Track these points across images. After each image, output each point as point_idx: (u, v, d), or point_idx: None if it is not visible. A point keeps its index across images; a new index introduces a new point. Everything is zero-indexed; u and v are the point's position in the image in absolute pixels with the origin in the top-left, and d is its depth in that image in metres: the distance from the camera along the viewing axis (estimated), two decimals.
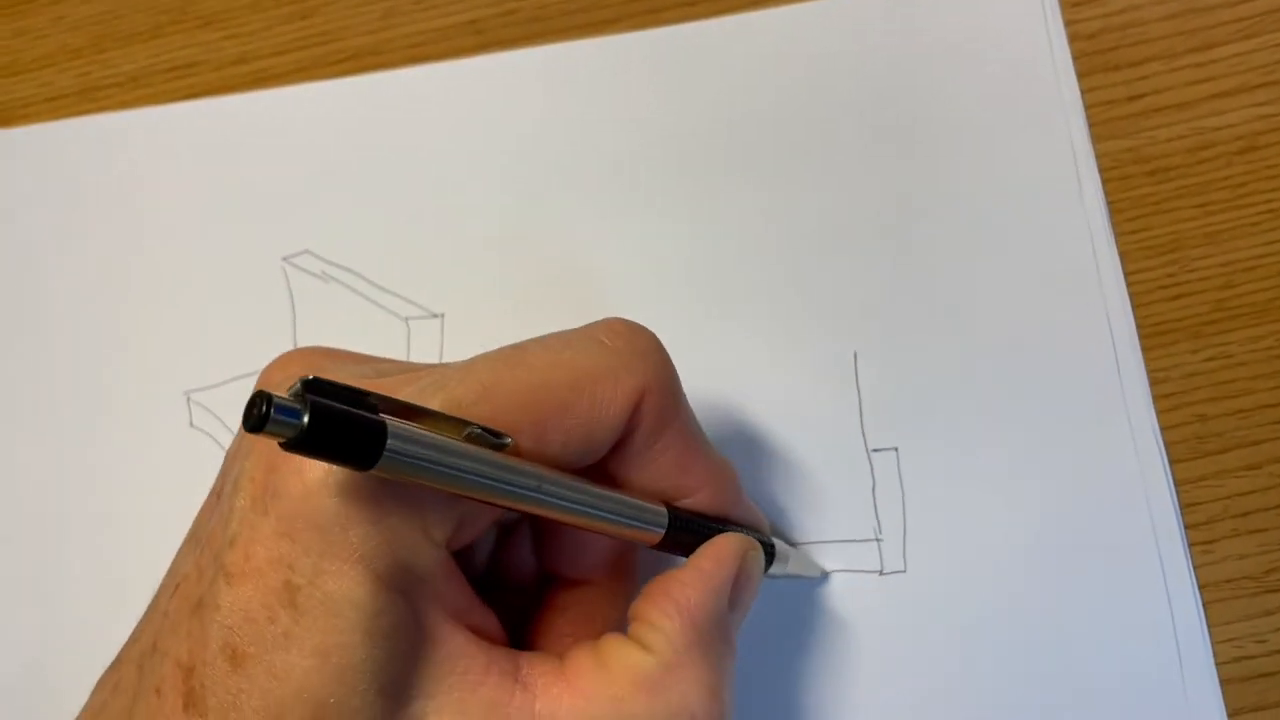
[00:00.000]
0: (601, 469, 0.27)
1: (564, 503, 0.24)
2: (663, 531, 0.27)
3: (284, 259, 0.39)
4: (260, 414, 0.18)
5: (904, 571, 0.34)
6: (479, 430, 0.23)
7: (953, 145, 0.37)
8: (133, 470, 0.38)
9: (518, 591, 0.30)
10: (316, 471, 0.22)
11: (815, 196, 0.38)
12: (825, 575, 0.34)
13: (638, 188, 0.39)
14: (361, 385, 0.21)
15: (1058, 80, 0.38)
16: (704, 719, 0.24)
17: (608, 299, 0.38)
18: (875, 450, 0.35)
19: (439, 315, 0.38)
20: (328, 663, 0.22)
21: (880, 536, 0.34)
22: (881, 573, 0.34)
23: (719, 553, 0.27)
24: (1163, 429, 0.34)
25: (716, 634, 0.26)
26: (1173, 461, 0.34)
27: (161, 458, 0.38)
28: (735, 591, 0.27)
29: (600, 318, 0.37)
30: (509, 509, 0.24)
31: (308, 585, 0.22)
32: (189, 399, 0.38)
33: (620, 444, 0.26)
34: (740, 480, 0.30)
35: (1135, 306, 0.35)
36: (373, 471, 0.20)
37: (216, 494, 0.25)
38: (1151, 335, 0.35)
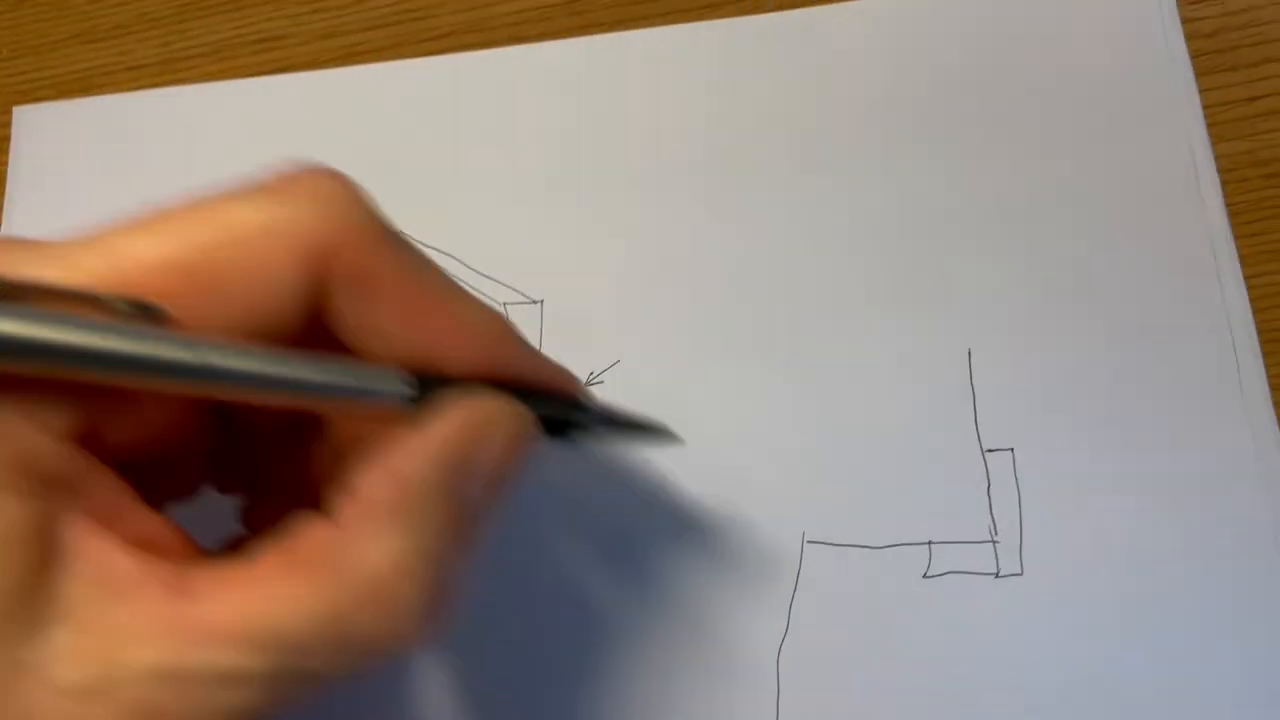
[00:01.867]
0: (332, 345, 0.23)
1: (232, 376, 0.20)
2: (405, 400, 0.22)
3: None
4: None
5: (1020, 575, 0.33)
6: (122, 301, 0.19)
7: (1068, 143, 0.37)
8: None
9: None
10: None
11: (928, 192, 0.37)
12: (676, 438, 0.31)
13: (747, 174, 0.38)
14: None
15: (1175, 79, 0.37)
16: (395, 601, 0.20)
17: (714, 286, 0.37)
18: (990, 450, 0.35)
19: (538, 301, 0.37)
20: None
21: (996, 538, 0.34)
22: (998, 575, 0.34)
23: (449, 413, 0.22)
24: None
25: (432, 501, 0.21)
26: None
27: None
28: (477, 460, 0.23)
29: (707, 307, 0.36)
30: (152, 389, 0.20)
31: None
32: None
33: (328, 312, 0.22)
34: (518, 332, 0.25)
35: (1255, 311, 0.35)
36: None
37: None
38: (1273, 340, 0.35)
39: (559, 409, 0.26)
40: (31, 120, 0.41)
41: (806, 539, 0.34)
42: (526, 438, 0.24)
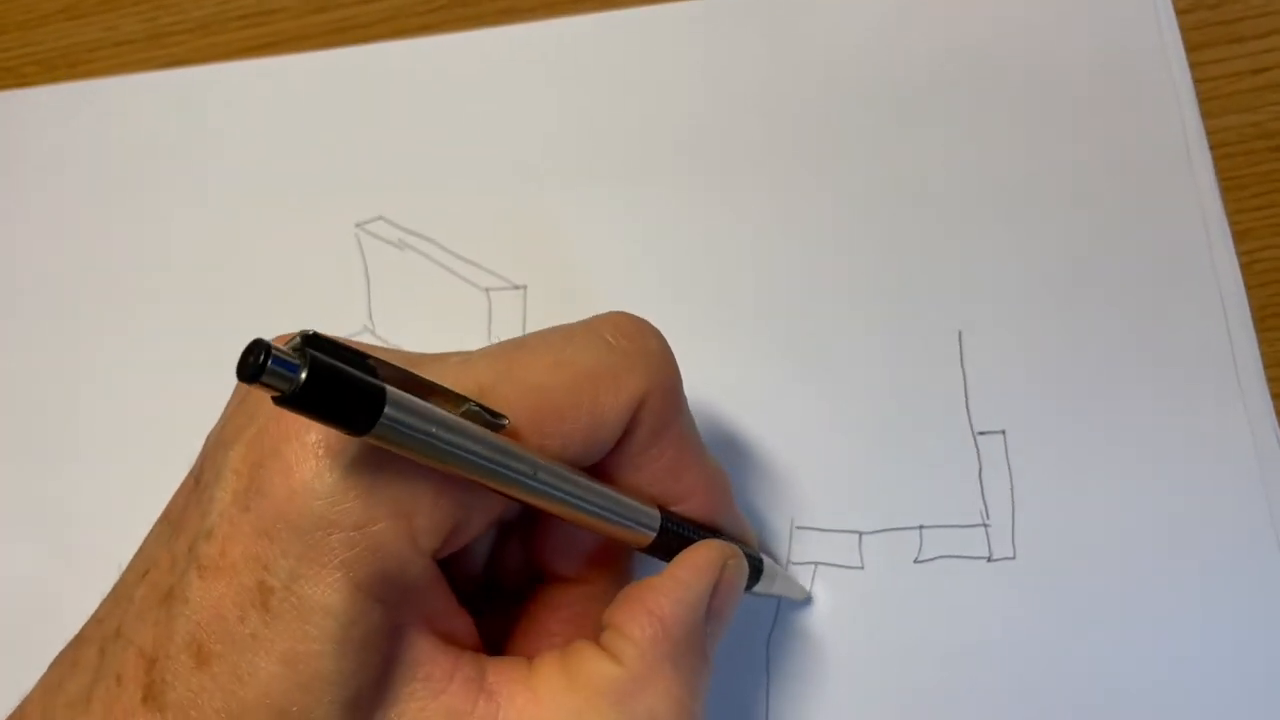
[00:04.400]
0: (595, 467, 0.26)
1: (558, 493, 0.23)
2: (653, 534, 0.26)
3: (357, 225, 0.38)
4: (256, 363, 0.17)
5: (1013, 558, 0.33)
6: (476, 407, 0.22)
7: (1058, 123, 0.36)
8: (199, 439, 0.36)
9: (509, 593, 0.29)
10: (304, 472, 0.21)
11: (918, 173, 0.36)
12: (809, 598, 0.33)
13: (734, 157, 0.37)
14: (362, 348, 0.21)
15: (1166, 55, 0.36)
16: None
17: (700, 271, 0.36)
18: (982, 433, 0.34)
19: (521, 287, 0.37)
20: (294, 670, 0.21)
21: (988, 522, 0.33)
22: (990, 559, 0.33)
23: (697, 560, 0.26)
24: None
25: (690, 646, 0.25)
26: None
27: None
28: (714, 602, 0.26)
29: (694, 293, 0.36)
30: (502, 494, 0.23)
31: (282, 588, 0.21)
32: None
33: (616, 444, 0.25)
34: (732, 491, 0.29)
35: (1260, 285, 0.34)
36: (366, 438, 0.19)
37: (195, 478, 0.24)
38: (1269, 317, 0.34)
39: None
40: (5, 106, 0.41)
41: (795, 525, 0.34)
42: (744, 581, 0.28)
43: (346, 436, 0.21)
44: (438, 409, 0.21)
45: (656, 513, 0.26)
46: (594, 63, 0.38)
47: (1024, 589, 0.33)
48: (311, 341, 0.19)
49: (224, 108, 0.39)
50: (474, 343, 0.36)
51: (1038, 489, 0.33)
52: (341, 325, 0.37)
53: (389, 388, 0.19)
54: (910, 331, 0.35)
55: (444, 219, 0.37)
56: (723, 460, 0.34)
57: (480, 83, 0.39)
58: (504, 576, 0.29)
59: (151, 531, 0.25)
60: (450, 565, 0.24)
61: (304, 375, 0.18)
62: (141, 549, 0.24)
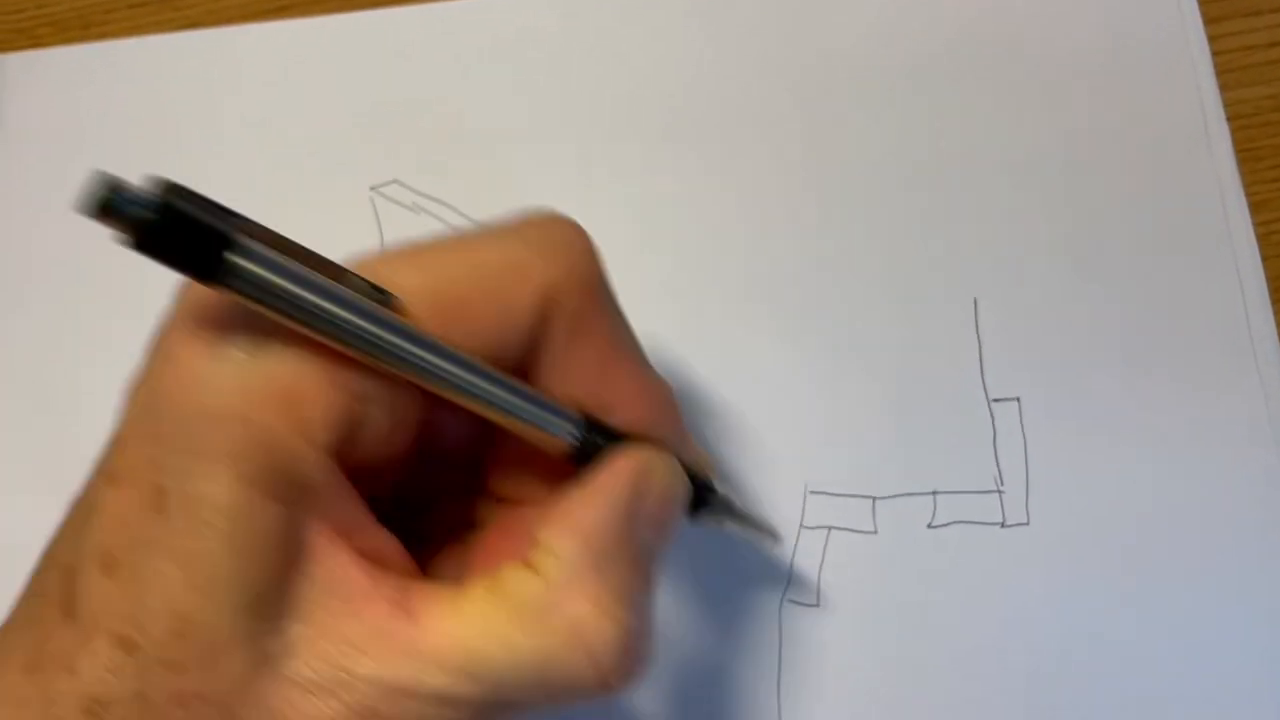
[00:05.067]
0: (515, 370, 0.24)
1: (446, 374, 0.22)
2: (573, 439, 0.24)
3: (372, 188, 0.38)
4: (103, 196, 0.17)
5: (1027, 524, 0.33)
6: (361, 280, 0.21)
7: (1075, 93, 0.36)
8: None
9: (460, 522, 0.28)
10: (191, 367, 0.21)
11: (933, 139, 0.36)
12: (778, 540, 0.33)
13: (747, 127, 0.37)
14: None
15: (1185, 28, 0.36)
16: (598, 643, 0.22)
17: (712, 240, 0.36)
18: (996, 400, 0.34)
19: None
20: (189, 571, 0.20)
21: (1002, 488, 0.33)
22: (1004, 525, 0.33)
23: (616, 465, 0.24)
24: None
25: (618, 552, 0.23)
26: None
27: None
28: (645, 509, 0.24)
29: (703, 259, 0.36)
30: (388, 373, 0.21)
31: (175, 488, 0.20)
32: None
33: (536, 347, 0.24)
34: (680, 408, 0.27)
35: (1277, 256, 0.34)
36: (223, 289, 0.19)
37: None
38: None
39: (696, 487, 0.27)
40: (19, 68, 0.40)
41: (809, 489, 0.34)
42: (682, 488, 0.26)
43: (236, 334, 0.21)
44: (302, 267, 0.20)
45: (574, 414, 0.24)
46: (605, 33, 0.38)
47: (1037, 555, 0.33)
48: (173, 190, 0.19)
49: (238, 70, 0.39)
50: None
51: (1052, 456, 0.33)
52: None
53: (243, 238, 0.19)
54: (926, 298, 0.35)
55: (458, 183, 0.37)
56: (736, 424, 0.34)
57: (496, 48, 0.38)
58: (453, 507, 0.28)
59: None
60: (373, 481, 0.24)
61: (150, 214, 0.17)
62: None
